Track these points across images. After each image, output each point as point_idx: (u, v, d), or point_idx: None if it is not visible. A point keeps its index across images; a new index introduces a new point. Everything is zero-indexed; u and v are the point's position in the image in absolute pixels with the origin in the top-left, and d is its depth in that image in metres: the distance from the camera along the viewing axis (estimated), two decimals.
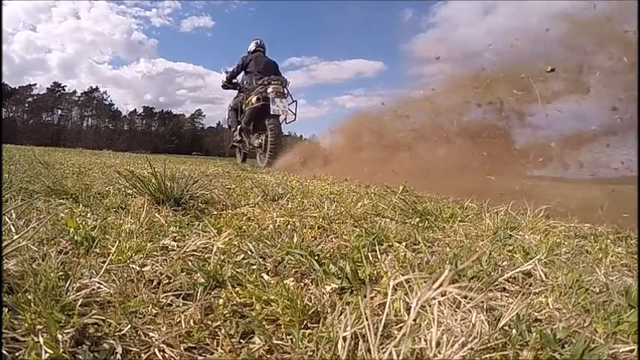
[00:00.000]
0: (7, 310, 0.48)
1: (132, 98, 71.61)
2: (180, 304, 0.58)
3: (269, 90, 5.26)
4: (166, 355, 0.45)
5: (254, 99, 5.44)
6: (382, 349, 0.41)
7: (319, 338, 0.48)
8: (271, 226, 1.09)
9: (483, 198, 1.68)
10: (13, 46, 63.06)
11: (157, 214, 1.11)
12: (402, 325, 0.52)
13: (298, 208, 1.44)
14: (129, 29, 71.39)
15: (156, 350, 0.46)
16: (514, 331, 0.51)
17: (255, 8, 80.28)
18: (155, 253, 0.80)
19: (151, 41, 74.02)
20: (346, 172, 3.32)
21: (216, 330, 0.51)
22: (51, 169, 2.27)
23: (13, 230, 0.80)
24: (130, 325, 0.48)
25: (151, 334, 0.49)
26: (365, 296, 0.59)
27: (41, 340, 0.43)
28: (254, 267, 0.74)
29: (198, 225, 1.07)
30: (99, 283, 0.60)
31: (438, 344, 0.43)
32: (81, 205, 1.20)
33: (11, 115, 46.03)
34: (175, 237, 0.92)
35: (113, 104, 53.44)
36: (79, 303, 0.52)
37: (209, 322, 0.52)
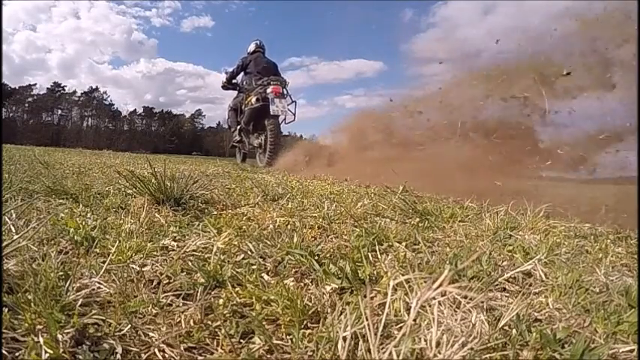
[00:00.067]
0: (7, 310, 0.48)
1: (132, 98, 71.77)
2: (180, 304, 0.58)
3: (268, 90, 5.27)
4: (166, 355, 0.45)
5: (254, 99, 5.45)
6: (382, 349, 0.41)
7: (319, 338, 0.47)
8: (271, 226, 1.09)
9: (496, 199, 1.66)
10: (13, 46, 63.20)
11: (157, 214, 1.11)
12: (402, 325, 0.52)
13: (298, 208, 1.44)
14: (129, 29, 71.52)
15: (156, 350, 0.46)
16: (514, 331, 0.51)
17: (255, 8, 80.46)
18: (155, 253, 0.80)
19: (151, 41, 74.20)
20: (354, 172, 3.18)
21: (216, 330, 0.51)
22: (51, 169, 2.27)
23: (13, 230, 0.80)
24: (130, 325, 0.48)
25: (151, 334, 0.49)
26: (365, 296, 0.59)
27: (41, 340, 0.43)
28: (254, 267, 0.74)
29: (198, 225, 1.07)
30: (99, 283, 0.60)
31: (438, 344, 0.43)
32: (81, 205, 1.20)
33: (11, 115, 46.06)
34: (175, 237, 0.92)
35: (113, 104, 53.57)
36: (79, 303, 0.52)
37: (209, 322, 0.52)
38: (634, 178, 2.06)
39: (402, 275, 0.68)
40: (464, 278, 0.73)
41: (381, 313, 0.49)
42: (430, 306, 0.50)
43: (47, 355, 0.41)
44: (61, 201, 1.26)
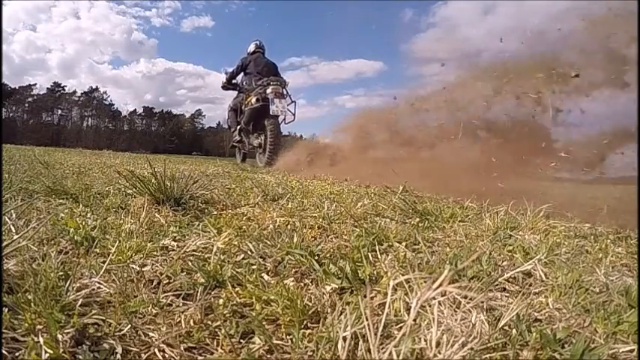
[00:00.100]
0: (7, 310, 0.48)
1: (132, 98, 71.78)
2: (180, 304, 0.58)
3: (268, 91, 5.29)
4: (166, 355, 0.45)
5: (253, 99, 5.46)
6: (382, 349, 0.41)
7: (319, 338, 0.47)
8: (271, 226, 1.09)
9: (496, 199, 1.64)
10: (13, 46, 63.19)
11: (157, 214, 1.11)
12: (402, 325, 0.52)
13: (298, 208, 1.44)
14: (129, 29, 71.51)
15: (156, 350, 0.46)
16: (514, 331, 0.51)
17: (255, 8, 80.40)
18: (155, 253, 0.80)
19: (151, 41, 74.17)
20: (359, 172, 3.06)
21: (216, 330, 0.51)
22: (51, 169, 2.27)
23: (13, 230, 0.80)
24: (130, 325, 0.48)
25: (151, 334, 0.49)
26: (365, 296, 0.59)
27: (41, 340, 0.43)
28: (254, 267, 0.74)
29: (198, 225, 1.07)
30: (99, 283, 0.60)
31: (438, 344, 0.43)
32: (81, 205, 1.20)
33: (11, 115, 46.06)
34: (175, 237, 0.92)
35: (113, 104, 53.57)
36: (79, 303, 0.52)
37: (209, 322, 0.52)
38: None
39: (402, 275, 0.68)
40: (464, 278, 0.73)
41: (381, 313, 0.49)
42: (430, 306, 0.50)
43: (47, 355, 0.41)
44: (61, 201, 1.26)
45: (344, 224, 1.17)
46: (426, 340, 0.45)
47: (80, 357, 0.42)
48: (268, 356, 0.47)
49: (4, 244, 0.63)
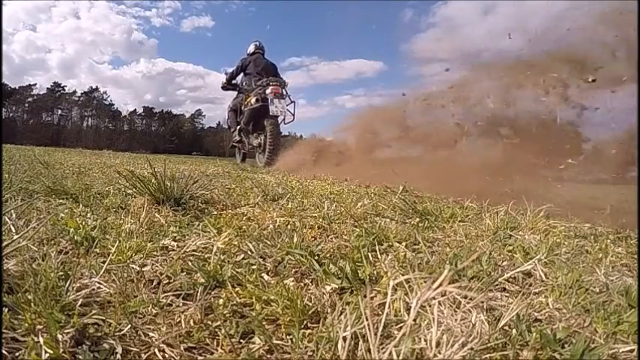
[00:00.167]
0: (7, 310, 0.48)
1: (132, 98, 71.82)
2: (180, 304, 0.57)
3: (268, 91, 5.30)
4: (166, 355, 0.45)
5: (253, 100, 5.47)
6: (382, 349, 0.41)
7: (319, 338, 0.47)
8: (271, 226, 1.09)
9: (496, 199, 1.61)
10: (13, 46, 63.25)
11: (157, 214, 1.11)
12: (402, 325, 0.52)
13: (298, 208, 1.44)
14: (129, 29, 71.58)
15: (156, 350, 0.46)
16: (514, 331, 0.51)
17: (255, 8, 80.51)
18: (155, 253, 0.80)
19: (151, 41, 74.25)
20: (368, 173, 2.88)
21: (216, 330, 0.51)
22: (51, 169, 2.27)
23: (13, 230, 0.80)
24: (130, 325, 0.48)
25: (151, 334, 0.49)
26: (365, 296, 0.59)
27: (41, 340, 0.43)
28: (254, 267, 0.74)
29: (198, 225, 1.07)
30: (99, 283, 0.60)
31: (438, 344, 0.43)
32: (81, 205, 1.20)
33: (11, 115, 46.06)
34: (175, 237, 0.92)
35: (113, 104, 53.60)
36: (79, 303, 0.52)
37: (209, 322, 0.52)
38: None
39: (402, 275, 0.68)
40: (464, 278, 0.73)
41: (381, 313, 0.49)
42: (430, 306, 0.50)
43: (47, 355, 0.41)
44: (61, 201, 1.26)
45: (344, 224, 1.17)
46: (426, 340, 0.45)
47: (80, 357, 0.42)
48: (268, 356, 0.47)
49: (4, 244, 0.63)
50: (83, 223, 0.92)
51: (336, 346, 0.44)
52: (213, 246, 0.80)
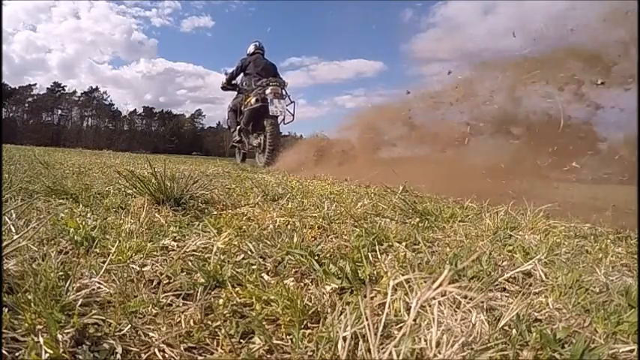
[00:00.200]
0: (7, 310, 0.48)
1: (132, 98, 71.84)
2: (180, 304, 0.57)
3: (267, 91, 5.30)
4: (166, 355, 0.45)
5: (253, 100, 5.47)
6: (382, 349, 0.41)
7: (319, 338, 0.47)
8: (271, 226, 1.09)
9: (496, 199, 1.60)
10: (13, 46, 63.25)
11: (157, 214, 1.11)
12: (402, 325, 0.52)
13: (298, 208, 1.44)
14: (129, 29, 71.58)
15: (156, 350, 0.46)
16: (514, 331, 0.51)
17: (255, 8, 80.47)
18: (155, 253, 0.80)
19: (151, 41, 74.24)
20: (376, 174, 2.71)
21: (216, 330, 0.51)
22: (51, 169, 2.27)
23: (13, 230, 0.80)
24: (130, 325, 0.48)
25: (151, 334, 0.49)
26: (365, 296, 0.59)
27: (41, 340, 0.43)
28: (254, 267, 0.74)
29: (198, 225, 1.07)
30: (99, 283, 0.60)
31: (438, 344, 0.43)
32: (81, 205, 1.20)
33: (11, 115, 46.07)
34: (175, 237, 0.92)
35: (113, 104, 53.60)
36: (79, 303, 0.52)
37: (209, 322, 0.52)
38: None
39: (402, 275, 0.68)
40: (464, 278, 0.73)
41: (381, 313, 0.49)
42: (430, 306, 0.50)
43: (47, 355, 0.41)
44: (61, 201, 1.26)
45: (344, 224, 1.17)
46: (426, 340, 0.45)
47: (80, 357, 0.42)
48: (268, 356, 0.47)
49: (4, 244, 0.63)
50: (83, 223, 0.92)
51: (336, 346, 0.44)
52: (213, 246, 0.80)
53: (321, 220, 1.20)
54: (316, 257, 0.77)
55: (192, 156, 18.85)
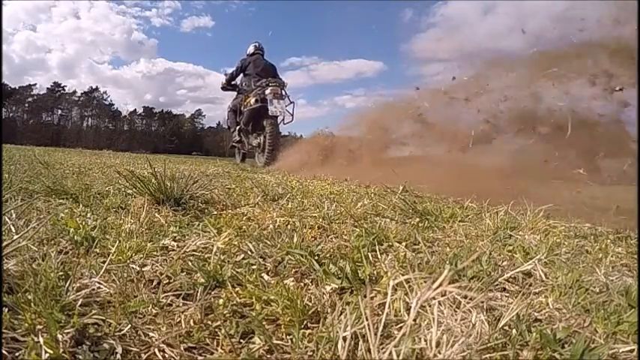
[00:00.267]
0: (7, 310, 0.48)
1: (132, 98, 71.73)
2: (180, 304, 0.57)
3: (267, 92, 5.32)
4: (166, 355, 0.45)
5: (252, 100, 5.48)
6: (382, 349, 0.41)
7: (319, 338, 0.47)
8: (271, 226, 1.09)
9: (496, 199, 1.59)
10: (13, 46, 63.13)
11: (157, 214, 1.11)
12: (402, 325, 0.52)
13: (298, 208, 1.44)
14: (129, 29, 71.46)
15: (156, 350, 0.46)
16: (514, 331, 0.51)
17: (255, 8, 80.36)
18: (155, 253, 0.80)
19: (151, 41, 74.11)
20: (384, 175, 2.55)
21: (216, 330, 0.51)
22: (51, 169, 2.27)
23: (13, 230, 0.80)
24: (130, 325, 0.48)
25: (151, 334, 0.49)
26: (365, 296, 0.59)
27: (41, 340, 0.43)
28: (254, 267, 0.74)
29: (198, 225, 1.07)
30: (99, 283, 0.60)
31: (438, 344, 0.43)
32: (81, 205, 1.20)
33: (11, 115, 46.05)
34: (175, 237, 0.92)
35: (113, 104, 53.53)
36: (79, 303, 0.52)
37: (209, 322, 0.52)
38: None
39: (402, 275, 0.68)
40: (464, 278, 0.73)
41: (381, 313, 0.49)
42: (430, 306, 0.50)
43: (47, 355, 0.41)
44: (61, 201, 1.26)
45: (344, 224, 1.17)
46: (426, 340, 0.45)
47: (80, 357, 0.42)
48: (268, 356, 0.47)
49: (4, 244, 0.63)
50: (83, 223, 0.92)
51: (336, 346, 0.44)
52: (213, 246, 0.80)
53: (321, 220, 1.20)
54: (316, 257, 0.77)
55: (192, 156, 18.84)
